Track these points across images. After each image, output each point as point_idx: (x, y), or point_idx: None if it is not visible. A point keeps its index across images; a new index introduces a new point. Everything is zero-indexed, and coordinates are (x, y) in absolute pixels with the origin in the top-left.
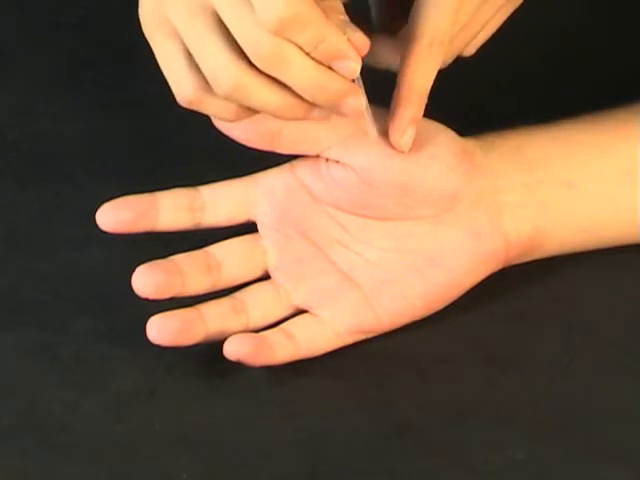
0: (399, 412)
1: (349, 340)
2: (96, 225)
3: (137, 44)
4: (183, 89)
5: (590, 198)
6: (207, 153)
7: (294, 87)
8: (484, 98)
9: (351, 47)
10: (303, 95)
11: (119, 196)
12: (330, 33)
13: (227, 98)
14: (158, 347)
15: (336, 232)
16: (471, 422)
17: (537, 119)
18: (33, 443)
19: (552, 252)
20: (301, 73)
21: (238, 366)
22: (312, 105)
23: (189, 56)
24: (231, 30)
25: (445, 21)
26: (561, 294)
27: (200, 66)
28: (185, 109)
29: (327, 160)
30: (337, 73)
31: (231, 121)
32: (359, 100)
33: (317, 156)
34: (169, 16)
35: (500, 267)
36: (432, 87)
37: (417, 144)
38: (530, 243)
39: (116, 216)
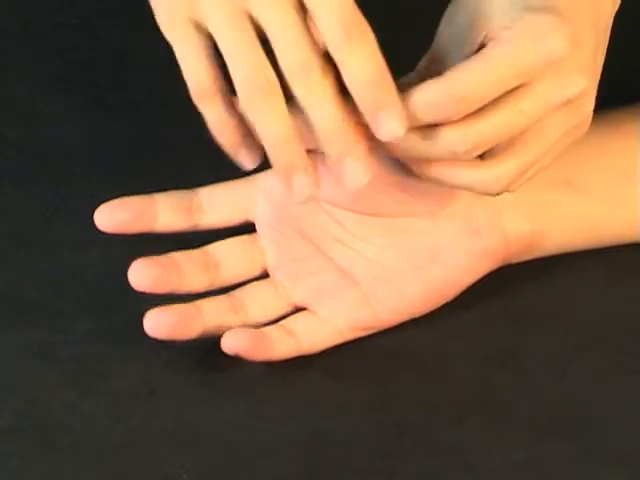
0: (399, 412)
1: (349, 336)
2: (96, 225)
3: (137, 44)
4: (200, 82)
5: (589, 197)
6: (207, 154)
7: (309, 113)
8: None
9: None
10: (314, 128)
11: (118, 197)
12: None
13: (248, 100)
14: (158, 347)
15: (334, 229)
16: (471, 422)
17: None
18: (33, 443)
19: (551, 251)
20: (325, 109)
21: (238, 366)
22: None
23: (210, 51)
24: (275, 43)
25: None
26: (560, 294)
27: (231, 64)
28: (193, 111)
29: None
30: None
31: (221, 135)
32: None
33: (314, 152)
34: (199, 13)
35: (499, 265)
36: None
37: None
38: (529, 242)
39: (113, 217)
